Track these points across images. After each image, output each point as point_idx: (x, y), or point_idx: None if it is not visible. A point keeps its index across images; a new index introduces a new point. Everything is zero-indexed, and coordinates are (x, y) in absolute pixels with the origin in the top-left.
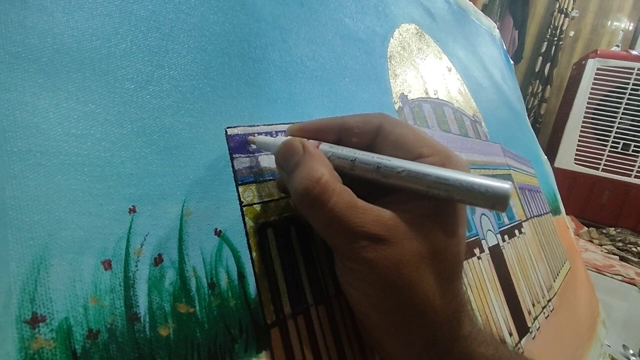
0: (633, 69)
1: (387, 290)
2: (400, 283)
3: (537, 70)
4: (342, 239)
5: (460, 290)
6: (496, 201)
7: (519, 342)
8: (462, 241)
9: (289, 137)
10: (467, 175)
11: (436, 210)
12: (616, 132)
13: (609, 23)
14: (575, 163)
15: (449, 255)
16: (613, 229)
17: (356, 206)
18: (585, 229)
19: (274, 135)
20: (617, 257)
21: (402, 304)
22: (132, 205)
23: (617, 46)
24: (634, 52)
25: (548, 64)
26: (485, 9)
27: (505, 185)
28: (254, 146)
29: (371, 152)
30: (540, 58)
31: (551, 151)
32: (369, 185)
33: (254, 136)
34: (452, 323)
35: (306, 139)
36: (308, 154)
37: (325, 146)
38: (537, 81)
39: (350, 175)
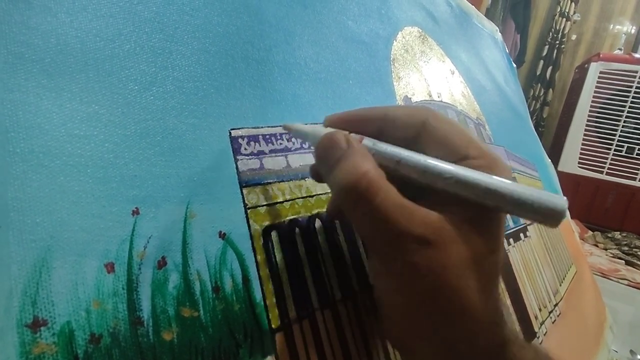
0: (636, 72)
1: (430, 295)
2: (445, 289)
3: (538, 73)
4: (387, 240)
5: (499, 296)
6: (549, 216)
7: None
8: (503, 248)
9: (331, 130)
10: (520, 187)
11: (481, 215)
12: (620, 135)
13: (611, 26)
14: (579, 166)
15: (491, 261)
16: (618, 232)
17: (403, 205)
18: (590, 233)
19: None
20: (623, 261)
21: (444, 310)
22: (136, 207)
23: (620, 49)
24: (637, 55)
25: (550, 68)
26: (488, 13)
27: (561, 201)
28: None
29: (416, 151)
30: (542, 61)
31: (554, 155)
32: (411, 184)
33: (289, 124)
34: (494, 329)
35: (349, 132)
36: (352, 148)
37: (368, 142)
38: (539, 84)
39: (392, 174)
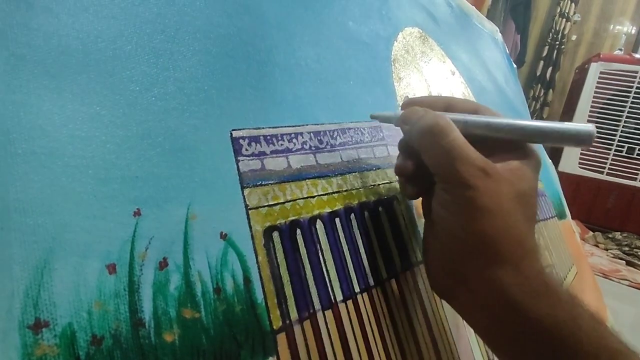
0: (636, 72)
1: (486, 215)
2: (498, 211)
3: (538, 74)
4: (456, 166)
5: (534, 230)
6: (583, 139)
7: None
8: (537, 193)
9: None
10: (557, 124)
11: (522, 165)
12: (620, 136)
13: (611, 27)
14: (579, 167)
15: (530, 200)
16: (619, 233)
17: (469, 145)
18: (591, 233)
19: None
20: (624, 261)
21: (497, 230)
22: (137, 208)
23: (620, 50)
24: (637, 56)
25: (550, 68)
26: (488, 14)
27: (589, 127)
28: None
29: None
30: (542, 62)
31: (555, 155)
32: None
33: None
34: (533, 254)
35: None
36: (429, 111)
37: (440, 112)
38: (539, 85)
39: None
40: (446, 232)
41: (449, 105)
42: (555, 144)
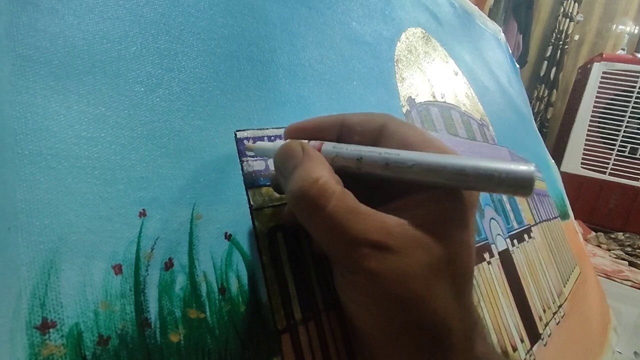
0: (639, 72)
1: (393, 305)
2: (408, 297)
3: (542, 74)
4: (342, 247)
5: (472, 306)
6: (519, 186)
7: (531, 349)
8: (473, 251)
9: (287, 140)
10: (486, 161)
11: (445, 217)
12: (623, 136)
13: (614, 27)
14: (582, 167)
15: (460, 266)
16: (621, 233)
17: (358, 211)
18: (593, 233)
19: (273, 140)
20: (626, 262)
21: (410, 322)
22: (143, 209)
23: (623, 50)
24: None
25: (554, 68)
26: (490, 14)
27: (528, 167)
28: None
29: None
30: (546, 62)
31: (557, 155)
32: (371, 192)
33: (251, 143)
34: (466, 344)
35: (306, 141)
36: (307, 156)
37: (328, 146)
38: (543, 85)
39: (357, 175)
40: (353, 320)
41: (343, 126)
42: (485, 190)
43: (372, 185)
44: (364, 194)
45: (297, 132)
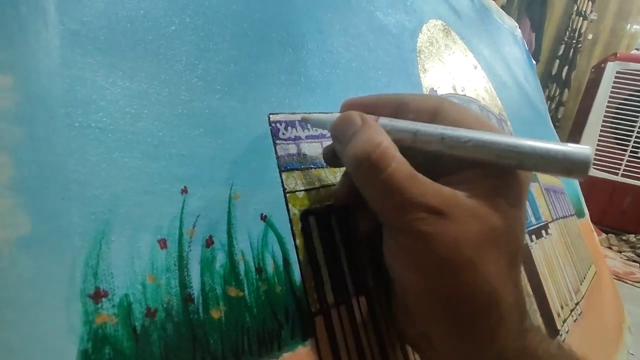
0: None
1: (444, 270)
2: (460, 262)
3: (554, 73)
4: (398, 210)
5: (521, 283)
6: (575, 167)
7: None
8: (523, 224)
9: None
10: (542, 142)
11: (499, 192)
12: (636, 137)
13: (629, 26)
14: (594, 168)
15: (512, 240)
16: (633, 235)
17: (416, 176)
18: (604, 235)
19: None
20: (638, 264)
21: (461, 288)
22: (184, 186)
23: (637, 49)
24: None
25: (566, 67)
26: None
27: (585, 150)
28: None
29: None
30: (557, 61)
31: None
32: (426, 166)
33: (307, 114)
34: (515, 315)
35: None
36: (366, 124)
37: (384, 120)
38: (555, 84)
39: (411, 150)
40: (401, 286)
41: (400, 104)
42: (539, 170)
43: (422, 163)
44: (418, 168)
45: (354, 106)
